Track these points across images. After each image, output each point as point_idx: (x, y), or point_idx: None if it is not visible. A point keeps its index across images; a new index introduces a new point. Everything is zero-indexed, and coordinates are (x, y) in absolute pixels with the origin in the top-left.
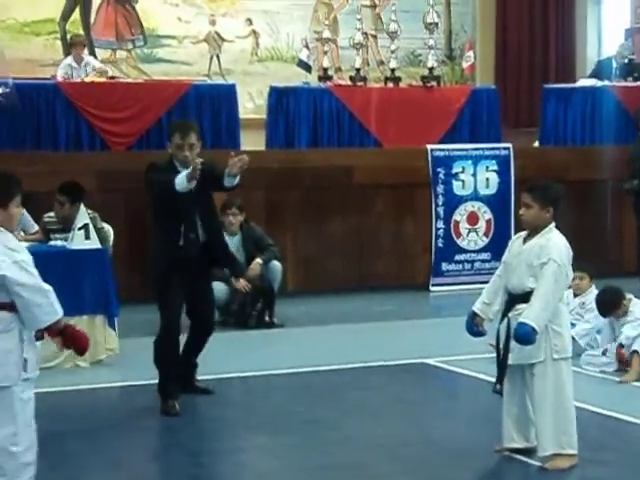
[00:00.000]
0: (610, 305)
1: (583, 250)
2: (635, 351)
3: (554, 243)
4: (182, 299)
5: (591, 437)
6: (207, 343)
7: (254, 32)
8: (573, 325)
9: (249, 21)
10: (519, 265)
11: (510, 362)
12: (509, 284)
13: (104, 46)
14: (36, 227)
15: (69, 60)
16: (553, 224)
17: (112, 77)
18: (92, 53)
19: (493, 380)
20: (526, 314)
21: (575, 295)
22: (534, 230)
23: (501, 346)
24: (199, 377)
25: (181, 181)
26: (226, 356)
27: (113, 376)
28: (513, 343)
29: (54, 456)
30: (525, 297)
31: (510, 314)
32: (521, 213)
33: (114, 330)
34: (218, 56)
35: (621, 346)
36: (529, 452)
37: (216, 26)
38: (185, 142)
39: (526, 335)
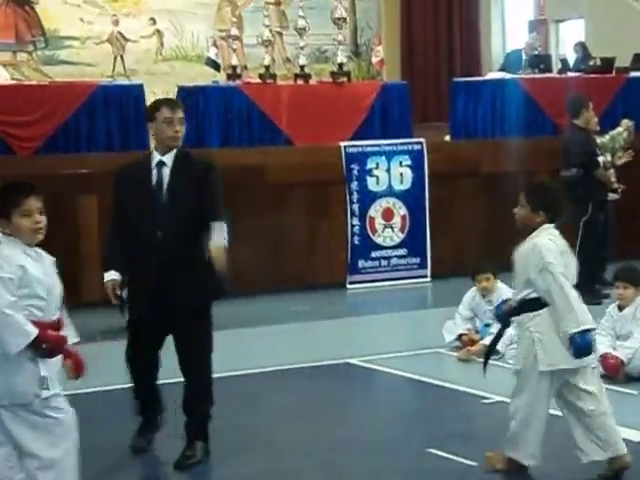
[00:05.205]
0: None
1: (495, 243)
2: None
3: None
4: None
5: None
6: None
7: (158, 31)
8: (488, 325)
9: (153, 20)
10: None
11: None
12: None
13: (3, 48)
14: None
15: None
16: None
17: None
18: None
19: (417, 378)
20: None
21: (483, 296)
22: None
23: None
24: (103, 387)
25: None
26: None
27: None
28: None
29: None
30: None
31: None
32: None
33: None
34: (122, 57)
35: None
36: None
37: (119, 26)
38: (175, 115)
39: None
